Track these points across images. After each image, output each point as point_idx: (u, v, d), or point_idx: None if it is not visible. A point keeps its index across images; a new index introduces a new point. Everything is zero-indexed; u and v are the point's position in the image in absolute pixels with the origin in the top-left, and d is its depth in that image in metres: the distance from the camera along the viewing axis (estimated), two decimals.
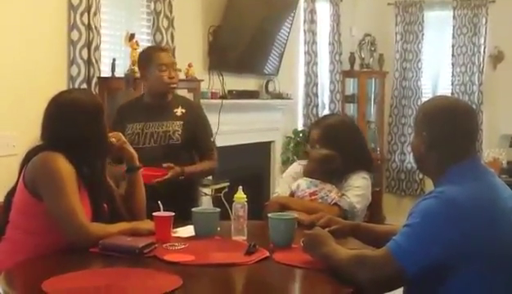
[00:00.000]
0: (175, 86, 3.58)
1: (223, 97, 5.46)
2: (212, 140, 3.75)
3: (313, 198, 3.05)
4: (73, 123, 2.48)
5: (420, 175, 7.29)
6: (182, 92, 4.97)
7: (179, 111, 3.57)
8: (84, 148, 2.47)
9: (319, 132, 3.23)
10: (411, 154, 2.33)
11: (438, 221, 1.94)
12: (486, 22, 7.10)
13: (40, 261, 2.26)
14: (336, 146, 3.11)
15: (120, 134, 2.76)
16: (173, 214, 2.54)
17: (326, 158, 3.10)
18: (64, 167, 2.39)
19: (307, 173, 3.15)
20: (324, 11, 7.08)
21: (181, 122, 3.52)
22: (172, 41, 4.87)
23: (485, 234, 1.95)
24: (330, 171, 3.10)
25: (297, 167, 3.31)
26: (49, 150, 2.43)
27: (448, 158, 2.09)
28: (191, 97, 4.93)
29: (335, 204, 3.03)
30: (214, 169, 3.74)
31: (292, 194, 3.14)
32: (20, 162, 2.51)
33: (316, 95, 6.92)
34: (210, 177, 5.35)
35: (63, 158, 2.40)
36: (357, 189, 3.09)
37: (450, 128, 2.10)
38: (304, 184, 3.10)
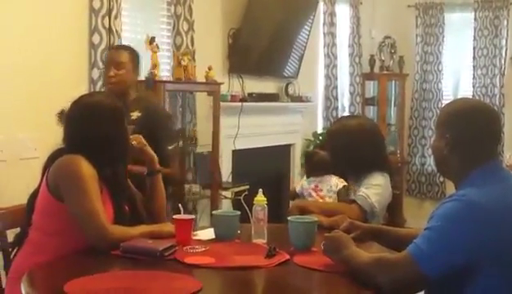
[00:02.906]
0: (111, 85, 3.45)
1: (243, 100, 5.47)
2: (170, 147, 3.50)
3: (320, 193, 3.18)
4: (94, 126, 2.50)
5: (441, 178, 7.24)
6: (202, 95, 5.01)
7: (135, 115, 3.39)
8: (105, 150, 2.49)
9: (331, 130, 3.35)
10: (432, 157, 2.30)
11: (460, 225, 1.93)
12: (507, 24, 7.04)
13: (62, 263, 2.27)
14: (346, 146, 3.14)
15: (141, 137, 2.77)
16: (194, 217, 2.54)
17: (307, 156, 3.38)
18: (86, 169, 2.41)
19: (306, 175, 3.36)
20: (343, 14, 7.07)
21: (132, 128, 3.15)
22: (192, 44, 4.89)
23: (508, 237, 1.94)
24: (315, 165, 3.29)
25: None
26: (71, 153, 2.45)
27: (471, 161, 2.07)
28: (211, 100, 4.96)
29: (355, 202, 3.05)
30: (173, 175, 3.44)
31: (299, 195, 3.27)
32: (43, 164, 2.53)
33: (335, 97, 6.90)
34: (230, 180, 5.39)
35: (85, 160, 2.42)
36: (377, 187, 3.09)
37: (474, 130, 2.09)
38: (306, 183, 3.26)
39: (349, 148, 3.11)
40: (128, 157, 2.66)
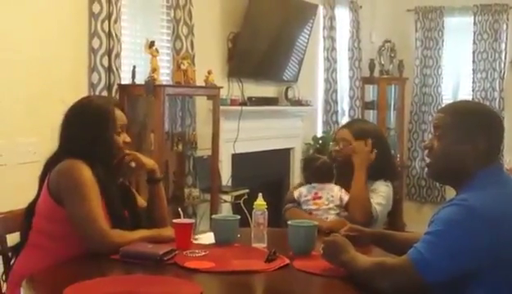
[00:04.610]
0: None
1: (243, 104, 5.47)
2: None
3: (318, 200, 3.09)
4: (78, 127, 2.50)
5: None
6: (202, 99, 5.01)
7: None
8: (90, 152, 2.46)
9: (347, 132, 3.24)
10: (438, 161, 2.18)
11: (461, 230, 1.92)
12: (507, 28, 7.05)
13: (62, 268, 2.27)
14: None
15: (137, 155, 2.69)
16: (193, 221, 2.54)
17: (308, 161, 3.29)
18: (87, 174, 2.40)
19: (306, 181, 3.25)
20: (343, 18, 7.07)
21: None
22: (192, 48, 4.89)
23: (508, 243, 1.93)
24: (317, 170, 3.16)
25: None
26: (64, 156, 2.44)
27: (480, 163, 2.05)
28: (211, 104, 4.96)
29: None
30: None
31: (297, 202, 3.18)
32: (42, 169, 2.52)
33: (335, 101, 6.90)
34: (230, 184, 5.39)
35: (86, 165, 2.42)
36: (380, 197, 3.11)
37: (490, 132, 2.08)
38: (305, 190, 3.15)
39: None
40: (113, 160, 2.58)
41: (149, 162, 2.72)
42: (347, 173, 3.14)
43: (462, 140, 2.07)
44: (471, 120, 2.09)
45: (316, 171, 3.18)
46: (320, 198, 3.10)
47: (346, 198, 3.09)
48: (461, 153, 2.07)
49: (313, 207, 3.10)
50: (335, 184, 3.16)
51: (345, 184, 3.14)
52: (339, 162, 3.20)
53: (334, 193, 3.10)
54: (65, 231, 2.40)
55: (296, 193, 3.18)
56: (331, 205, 3.08)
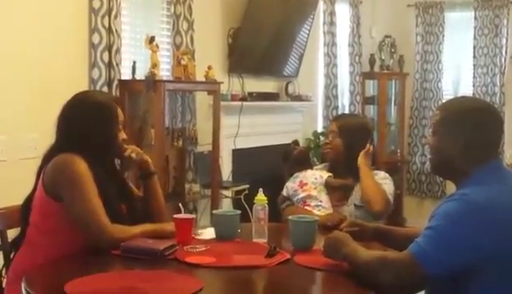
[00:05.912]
0: None
1: (243, 99, 5.47)
2: None
3: (306, 187, 3.17)
4: (76, 123, 2.48)
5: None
6: (202, 95, 5.01)
7: None
8: (88, 148, 2.44)
9: (334, 125, 3.35)
10: (432, 156, 2.24)
11: (462, 225, 1.92)
12: (507, 23, 7.04)
13: (62, 263, 2.27)
14: (349, 143, 3.22)
15: (137, 148, 2.69)
16: (194, 216, 2.54)
17: (287, 154, 3.37)
18: (84, 168, 2.39)
19: (288, 172, 3.34)
20: (343, 13, 7.06)
21: None
22: (192, 43, 4.89)
23: (509, 237, 1.93)
24: (297, 159, 3.30)
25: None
26: (63, 151, 2.43)
27: (477, 159, 2.06)
28: (211, 99, 4.96)
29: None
30: None
31: (288, 198, 3.24)
32: (39, 163, 2.51)
33: (335, 96, 6.90)
34: (230, 179, 5.39)
35: (81, 159, 2.40)
36: (387, 188, 3.14)
37: (484, 130, 2.08)
38: (290, 183, 3.25)
39: (348, 143, 3.23)
40: (113, 155, 2.59)
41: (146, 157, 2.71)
42: (339, 164, 3.27)
43: (449, 135, 2.10)
44: (458, 117, 2.11)
45: (295, 161, 3.31)
46: (306, 184, 3.19)
47: (325, 176, 3.21)
48: (449, 148, 2.10)
49: (304, 194, 3.17)
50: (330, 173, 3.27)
51: (338, 174, 3.24)
52: (328, 154, 3.33)
53: (316, 175, 3.22)
54: (61, 226, 2.39)
55: (284, 191, 3.26)
56: (320, 187, 3.16)
